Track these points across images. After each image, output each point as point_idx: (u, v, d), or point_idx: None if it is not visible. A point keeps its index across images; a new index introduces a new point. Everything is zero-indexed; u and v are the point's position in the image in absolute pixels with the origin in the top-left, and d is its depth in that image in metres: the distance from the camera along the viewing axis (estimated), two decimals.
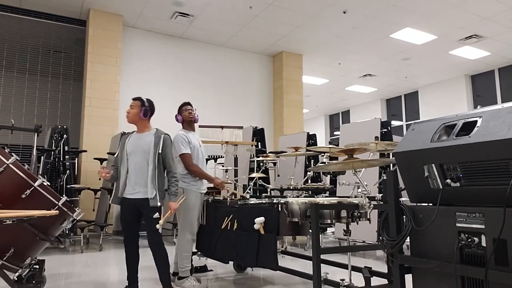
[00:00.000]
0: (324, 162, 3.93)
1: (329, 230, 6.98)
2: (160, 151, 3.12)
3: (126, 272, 3.20)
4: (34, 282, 2.76)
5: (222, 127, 5.82)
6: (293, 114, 9.70)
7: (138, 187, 3.10)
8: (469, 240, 1.72)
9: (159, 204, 3.08)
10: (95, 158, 6.68)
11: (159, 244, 3.09)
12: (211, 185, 3.64)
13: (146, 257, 5.05)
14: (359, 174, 2.74)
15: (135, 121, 3.21)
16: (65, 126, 6.42)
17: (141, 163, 3.12)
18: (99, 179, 6.84)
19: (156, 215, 3.07)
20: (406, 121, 13.28)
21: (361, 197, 2.57)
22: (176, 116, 3.70)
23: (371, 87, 12.71)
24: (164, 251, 3.12)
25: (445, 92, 11.88)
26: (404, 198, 2.70)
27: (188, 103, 3.68)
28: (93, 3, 7.41)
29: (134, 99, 3.25)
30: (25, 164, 3.56)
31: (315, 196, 3.67)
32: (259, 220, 2.48)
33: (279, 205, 3.03)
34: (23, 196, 2.68)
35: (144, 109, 3.19)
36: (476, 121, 1.78)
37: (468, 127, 1.80)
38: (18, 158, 2.78)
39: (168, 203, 3.13)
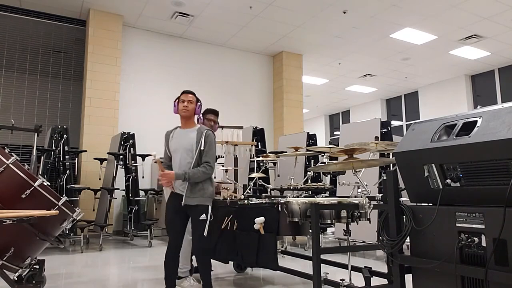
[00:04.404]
0: (324, 162, 3.93)
1: (329, 230, 6.98)
2: (202, 148, 2.94)
3: (164, 281, 2.92)
4: (34, 282, 2.76)
5: (222, 127, 5.81)
6: (293, 114, 9.70)
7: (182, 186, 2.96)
8: (469, 240, 1.72)
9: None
10: (95, 158, 6.68)
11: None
12: None
13: (146, 257, 5.05)
14: (359, 174, 2.74)
15: (191, 116, 3.04)
16: (65, 126, 6.42)
17: (184, 160, 2.95)
18: (99, 179, 6.85)
19: (203, 216, 2.89)
20: (406, 121, 13.28)
21: (361, 197, 2.57)
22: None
23: (371, 87, 12.71)
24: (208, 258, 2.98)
25: (445, 92, 11.88)
26: (404, 198, 2.70)
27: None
28: (93, 3, 7.41)
29: (189, 92, 3.06)
30: (25, 164, 3.56)
31: (315, 196, 3.67)
32: (259, 220, 2.48)
33: (279, 205, 3.03)
34: (23, 196, 2.68)
35: (199, 105, 3.07)
36: (476, 121, 1.78)
37: (468, 127, 1.80)
38: (18, 158, 2.78)
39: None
